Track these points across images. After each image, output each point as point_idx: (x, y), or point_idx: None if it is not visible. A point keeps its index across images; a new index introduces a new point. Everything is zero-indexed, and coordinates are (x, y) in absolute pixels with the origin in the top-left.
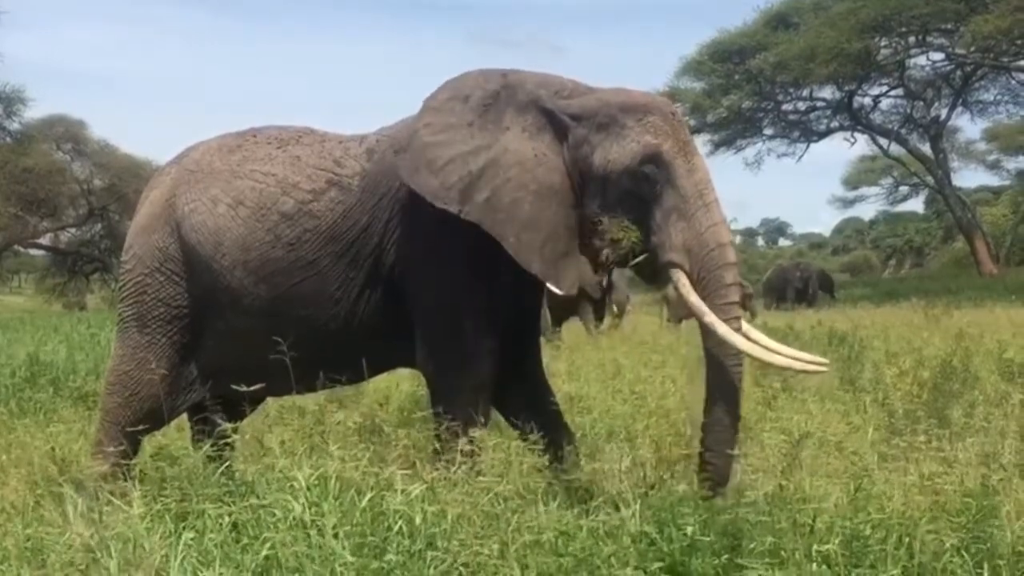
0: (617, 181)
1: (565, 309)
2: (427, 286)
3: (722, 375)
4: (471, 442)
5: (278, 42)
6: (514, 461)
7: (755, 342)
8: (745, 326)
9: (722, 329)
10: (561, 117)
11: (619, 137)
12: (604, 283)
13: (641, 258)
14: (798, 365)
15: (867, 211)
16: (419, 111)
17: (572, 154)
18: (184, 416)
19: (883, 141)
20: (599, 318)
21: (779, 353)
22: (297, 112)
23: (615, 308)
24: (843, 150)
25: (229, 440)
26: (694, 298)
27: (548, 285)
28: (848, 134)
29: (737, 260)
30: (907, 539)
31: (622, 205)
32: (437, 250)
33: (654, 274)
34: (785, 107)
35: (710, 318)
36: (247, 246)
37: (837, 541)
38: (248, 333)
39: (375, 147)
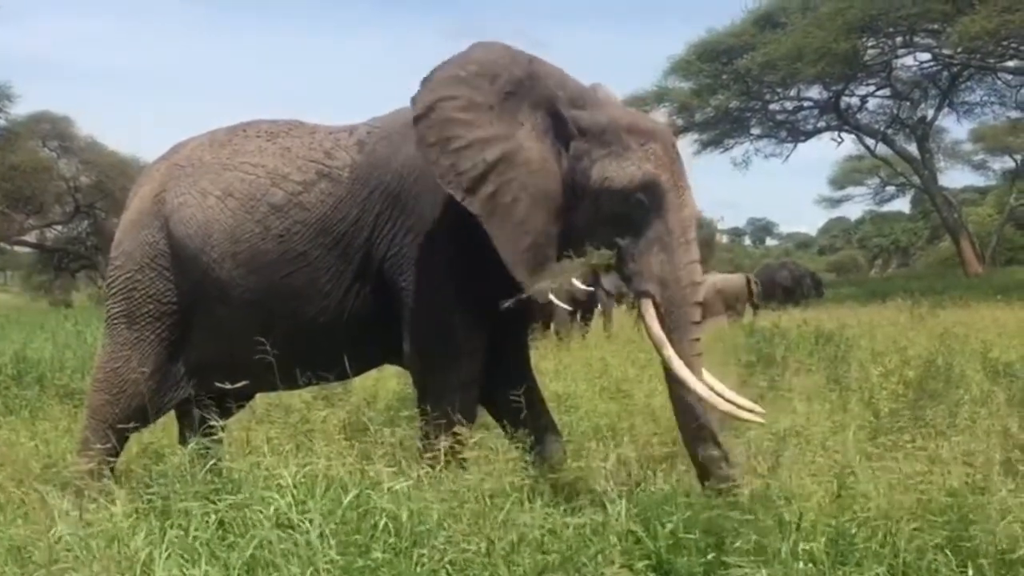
0: (609, 200)
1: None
2: (416, 282)
3: (686, 399)
4: (457, 439)
5: (264, 37)
6: (500, 458)
7: (706, 384)
8: (706, 373)
9: (676, 365)
10: (569, 126)
11: (620, 158)
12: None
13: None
14: (738, 413)
15: (854, 211)
16: (441, 76)
17: (571, 164)
18: (172, 413)
19: (870, 141)
20: (586, 321)
21: (723, 398)
22: (284, 107)
23: (601, 308)
24: (830, 150)
25: (216, 437)
26: (657, 330)
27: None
28: (835, 134)
29: (702, 300)
30: (892, 538)
31: (609, 224)
32: (427, 246)
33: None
34: (772, 107)
35: (668, 352)
36: (236, 238)
37: (822, 539)
38: (237, 327)
39: (366, 139)
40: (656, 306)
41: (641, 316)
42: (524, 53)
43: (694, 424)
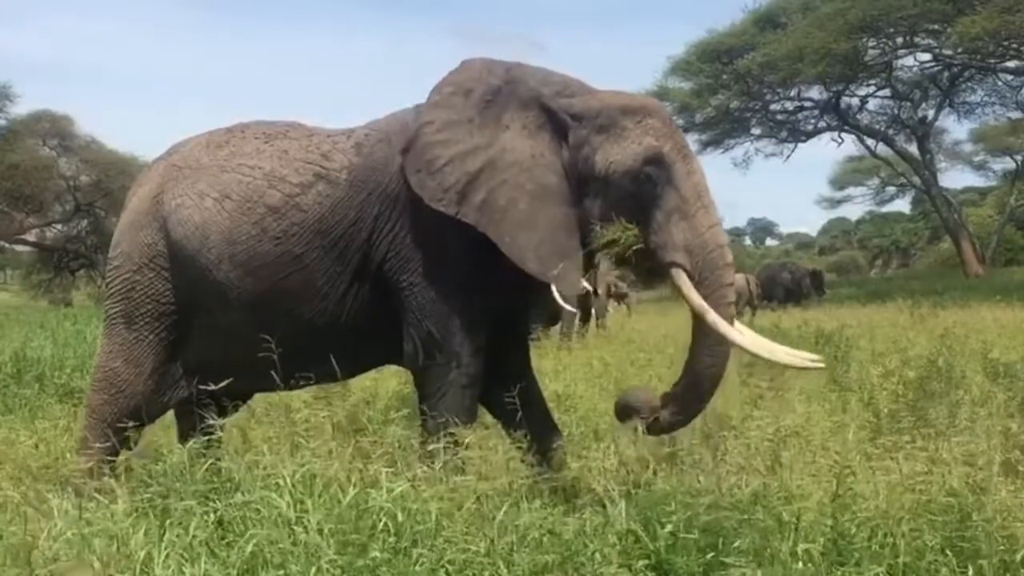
0: (618, 182)
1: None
2: (417, 283)
3: (705, 369)
4: (457, 439)
5: (265, 37)
6: (500, 459)
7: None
8: (742, 326)
9: (724, 328)
10: (562, 116)
11: (620, 139)
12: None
13: (636, 248)
14: (798, 362)
15: (854, 211)
16: (424, 105)
17: (572, 154)
18: (171, 413)
19: (870, 142)
20: (584, 320)
21: (777, 351)
22: (283, 107)
23: (595, 307)
24: (830, 150)
25: (215, 437)
26: (696, 297)
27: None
28: (835, 134)
29: (732, 261)
30: (891, 538)
31: (622, 206)
32: (428, 247)
33: (651, 273)
34: (773, 107)
35: (713, 316)
36: (234, 240)
37: (821, 540)
38: (234, 328)
39: (363, 141)
40: (688, 275)
41: (677, 288)
42: (502, 63)
43: (692, 402)
